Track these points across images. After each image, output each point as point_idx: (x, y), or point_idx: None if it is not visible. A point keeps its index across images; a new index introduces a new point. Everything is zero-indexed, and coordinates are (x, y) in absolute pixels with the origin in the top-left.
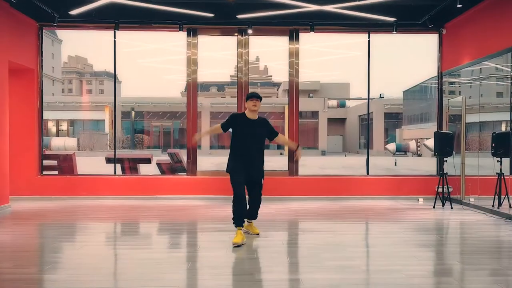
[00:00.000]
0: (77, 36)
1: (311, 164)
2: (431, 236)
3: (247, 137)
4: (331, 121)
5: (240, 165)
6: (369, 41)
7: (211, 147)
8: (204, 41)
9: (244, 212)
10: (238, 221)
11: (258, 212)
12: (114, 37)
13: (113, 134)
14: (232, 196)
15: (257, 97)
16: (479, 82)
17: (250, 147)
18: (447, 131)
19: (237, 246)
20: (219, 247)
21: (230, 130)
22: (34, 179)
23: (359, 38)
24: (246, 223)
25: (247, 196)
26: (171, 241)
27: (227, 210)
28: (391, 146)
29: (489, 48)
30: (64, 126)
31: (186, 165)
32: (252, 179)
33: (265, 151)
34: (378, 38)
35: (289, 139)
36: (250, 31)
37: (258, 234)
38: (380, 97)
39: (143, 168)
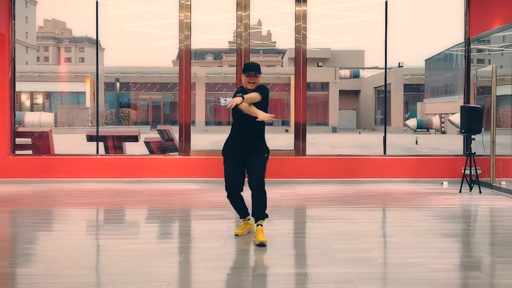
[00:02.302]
0: None
1: (320, 143)
2: (457, 225)
3: (241, 112)
4: (343, 93)
5: (234, 146)
6: (386, 2)
7: (207, 123)
8: (199, 2)
9: (242, 201)
10: (240, 213)
11: (265, 206)
12: None
13: (95, 109)
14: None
15: (255, 70)
16: None
17: (244, 124)
18: (475, 105)
19: (237, 236)
20: (216, 237)
21: None
22: (5, 160)
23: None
24: (254, 228)
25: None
26: (161, 230)
27: (224, 194)
28: (412, 122)
29: None
30: (39, 99)
31: (179, 144)
32: (249, 157)
33: (268, 127)
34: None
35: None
36: None
37: (262, 242)
38: (399, 66)
39: (129, 147)
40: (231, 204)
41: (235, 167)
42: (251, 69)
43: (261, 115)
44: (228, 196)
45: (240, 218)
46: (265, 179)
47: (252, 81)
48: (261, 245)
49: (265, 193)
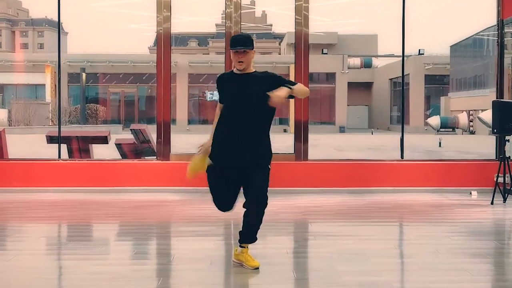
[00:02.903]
0: None
1: (325, 145)
2: (488, 243)
3: (234, 103)
4: (352, 86)
5: (223, 153)
6: None
7: (190, 122)
8: None
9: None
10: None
11: (258, 228)
12: None
13: (57, 104)
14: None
15: (243, 44)
16: None
17: (238, 120)
18: (510, 100)
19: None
20: (200, 257)
21: None
22: None
23: None
24: (237, 250)
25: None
26: (136, 249)
27: (212, 207)
28: (434, 121)
29: None
30: None
31: (156, 146)
32: (244, 170)
33: None
34: None
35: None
36: None
37: (257, 268)
38: (420, 53)
39: (98, 150)
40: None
41: (227, 185)
42: (240, 42)
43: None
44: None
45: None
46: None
47: (241, 59)
48: (257, 269)
49: (264, 213)
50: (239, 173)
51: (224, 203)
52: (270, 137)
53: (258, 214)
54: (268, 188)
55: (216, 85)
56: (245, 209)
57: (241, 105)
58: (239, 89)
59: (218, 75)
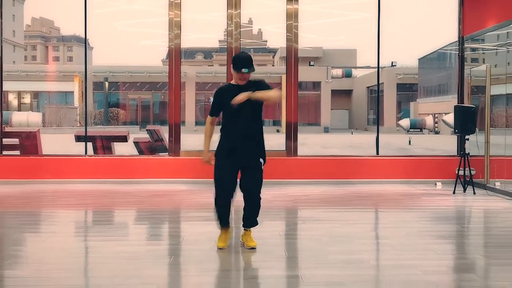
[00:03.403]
0: None
1: (312, 143)
2: (451, 226)
3: (236, 111)
4: (335, 93)
5: (228, 152)
6: (379, 0)
7: (197, 123)
8: (189, 0)
9: (229, 209)
10: (224, 222)
11: (258, 214)
12: None
13: (84, 108)
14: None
15: (248, 67)
16: (506, 49)
17: (240, 124)
18: (469, 105)
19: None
20: (206, 239)
21: None
22: None
23: None
24: (242, 232)
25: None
26: (151, 232)
27: (211, 197)
28: (405, 122)
29: None
30: (27, 99)
31: (168, 144)
32: (245, 164)
33: None
34: None
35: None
36: None
37: (254, 248)
38: (392, 65)
39: (118, 148)
40: (218, 212)
41: (231, 173)
42: (244, 65)
43: (272, 93)
44: (217, 203)
45: (222, 228)
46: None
47: (244, 77)
48: (253, 248)
49: (260, 202)
50: (241, 160)
51: (228, 189)
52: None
53: (255, 205)
54: (264, 180)
55: (214, 96)
56: (244, 201)
57: (241, 114)
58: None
59: (217, 89)
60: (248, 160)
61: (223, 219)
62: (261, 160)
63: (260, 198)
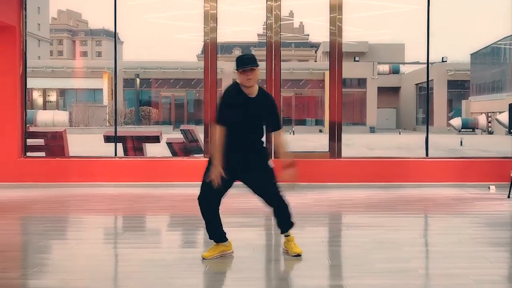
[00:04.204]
0: None
1: (357, 144)
2: (506, 233)
3: (241, 123)
4: (382, 90)
5: (234, 161)
6: None
7: None
8: None
9: (219, 220)
10: (213, 236)
11: (290, 214)
12: None
13: (114, 107)
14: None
15: (251, 64)
16: None
17: (245, 138)
18: None
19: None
20: (244, 245)
21: None
22: (16, 162)
23: None
24: (283, 239)
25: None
26: (185, 238)
27: (254, 201)
28: (456, 122)
29: None
30: (52, 97)
31: (203, 145)
32: (246, 171)
33: (301, 127)
34: None
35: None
36: None
37: (299, 254)
38: (443, 61)
39: (150, 149)
40: (206, 220)
41: (224, 182)
42: (246, 62)
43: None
44: (202, 209)
45: (216, 242)
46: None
47: (250, 76)
48: (298, 255)
49: (287, 203)
50: (243, 171)
51: (215, 195)
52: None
53: (283, 209)
54: (305, 183)
55: (222, 99)
56: (269, 206)
57: (245, 127)
58: (244, 114)
59: (225, 90)
60: (251, 167)
61: (214, 234)
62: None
63: (281, 196)
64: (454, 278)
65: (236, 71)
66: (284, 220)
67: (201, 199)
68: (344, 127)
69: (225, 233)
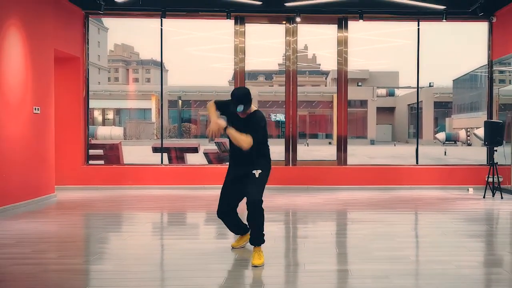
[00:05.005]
0: (123, 24)
1: (360, 154)
2: (481, 226)
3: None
4: (380, 110)
5: (234, 170)
6: (418, 29)
7: None
8: (252, 29)
9: (236, 221)
10: (235, 231)
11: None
12: (161, 25)
13: (160, 123)
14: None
15: (240, 107)
16: None
17: (238, 150)
18: (498, 120)
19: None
20: (267, 237)
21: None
22: (80, 169)
23: (409, 27)
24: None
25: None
26: (219, 231)
27: (275, 200)
28: (441, 136)
29: None
30: (110, 115)
31: None
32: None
33: (314, 140)
34: (427, 27)
35: (239, 136)
36: (298, 19)
37: (257, 266)
38: (430, 85)
39: (190, 158)
40: (227, 227)
41: (231, 188)
42: (238, 103)
43: (243, 137)
44: (223, 221)
45: (236, 234)
46: (262, 197)
47: (242, 116)
48: (255, 267)
49: (262, 214)
50: (243, 177)
51: (225, 205)
52: (267, 154)
53: (254, 216)
54: (317, 186)
55: (220, 105)
56: (247, 212)
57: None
58: (240, 127)
59: (217, 101)
60: (245, 172)
61: (232, 230)
62: (255, 171)
63: (260, 209)
64: (440, 264)
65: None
66: (253, 232)
67: (217, 211)
68: (349, 140)
69: (247, 225)
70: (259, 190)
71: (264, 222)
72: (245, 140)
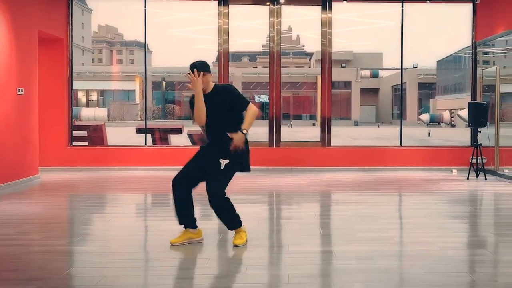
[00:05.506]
0: (107, 6)
1: (344, 135)
2: (465, 208)
3: (207, 119)
4: (364, 91)
5: (208, 147)
6: (402, 10)
7: None
8: (236, 10)
9: (189, 205)
10: (182, 220)
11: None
12: (145, 6)
13: (144, 105)
14: None
15: (193, 68)
16: None
17: (210, 129)
18: (481, 102)
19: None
20: (251, 218)
21: None
22: (64, 150)
23: (392, 8)
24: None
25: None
26: (202, 212)
27: (259, 181)
28: (425, 117)
29: None
30: (94, 96)
31: None
32: (207, 165)
33: (298, 121)
34: (411, 8)
35: (251, 116)
36: (282, 0)
37: (238, 245)
38: (414, 67)
39: (174, 139)
40: (174, 202)
41: (196, 163)
42: (191, 66)
43: (252, 112)
44: (173, 191)
45: (184, 227)
46: (225, 190)
47: (192, 79)
48: (236, 246)
49: (228, 205)
50: (210, 159)
51: (186, 174)
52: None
53: (220, 212)
54: (301, 167)
55: (192, 99)
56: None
57: (210, 122)
58: (207, 106)
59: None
60: (210, 161)
61: (180, 215)
62: (221, 160)
63: (224, 202)
64: (424, 245)
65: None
66: (227, 223)
67: (174, 181)
68: (333, 121)
69: (195, 219)
70: (219, 185)
71: (234, 206)
72: (254, 111)
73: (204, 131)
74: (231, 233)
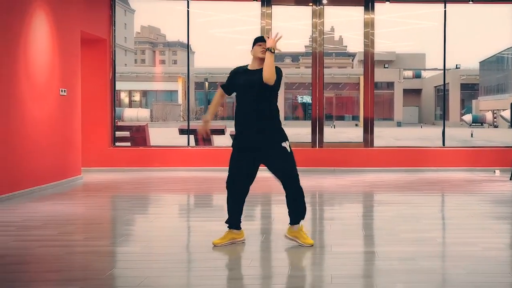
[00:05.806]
0: (150, 6)
1: (386, 136)
2: (508, 208)
3: (244, 91)
4: (406, 92)
5: (244, 137)
6: (445, 11)
7: (286, 118)
8: (279, 11)
9: (241, 207)
10: (232, 220)
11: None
12: (188, 7)
13: (187, 105)
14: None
15: (264, 40)
16: None
17: (248, 106)
18: None
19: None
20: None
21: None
22: (106, 151)
23: (435, 8)
24: (290, 229)
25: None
26: (245, 213)
27: (301, 182)
28: (467, 117)
29: None
30: (136, 97)
31: None
32: (264, 154)
33: (341, 122)
34: (454, 8)
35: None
36: (325, 1)
37: (311, 245)
38: (456, 67)
39: (217, 140)
40: (228, 203)
41: (246, 167)
42: (262, 38)
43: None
44: (228, 197)
45: (228, 227)
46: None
47: (263, 46)
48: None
49: (302, 191)
50: (258, 146)
51: (238, 176)
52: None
53: (295, 194)
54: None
55: (228, 83)
56: (285, 194)
57: (248, 95)
58: (246, 82)
59: (233, 68)
60: (266, 144)
61: (231, 217)
62: (284, 144)
63: (299, 185)
64: (466, 246)
65: (253, 47)
66: (292, 209)
67: (228, 182)
68: (375, 121)
69: (240, 221)
70: (293, 165)
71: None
72: (272, 68)
73: (238, 112)
74: (274, 233)
